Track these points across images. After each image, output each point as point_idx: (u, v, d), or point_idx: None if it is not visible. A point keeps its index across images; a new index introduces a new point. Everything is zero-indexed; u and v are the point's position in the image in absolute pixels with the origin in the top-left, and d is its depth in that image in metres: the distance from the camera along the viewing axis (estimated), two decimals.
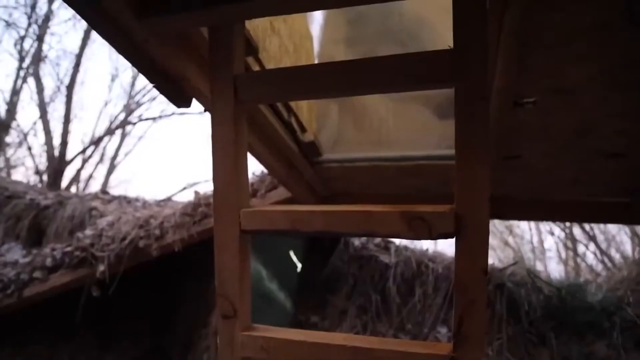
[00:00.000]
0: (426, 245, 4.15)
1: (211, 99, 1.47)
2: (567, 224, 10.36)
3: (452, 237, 1.32)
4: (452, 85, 1.30)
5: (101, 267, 3.35)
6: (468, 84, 1.28)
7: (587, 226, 9.90)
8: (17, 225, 5.22)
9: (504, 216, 4.14)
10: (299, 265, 7.11)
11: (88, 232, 3.73)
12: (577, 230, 10.80)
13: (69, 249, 3.64)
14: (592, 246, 10.04)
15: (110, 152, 14.08)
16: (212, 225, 3.24)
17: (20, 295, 3.61)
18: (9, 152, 13.09)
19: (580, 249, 10.69)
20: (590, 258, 10.16)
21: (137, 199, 5.59)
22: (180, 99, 1.85)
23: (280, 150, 2.61)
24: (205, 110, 1.95)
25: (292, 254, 6.48)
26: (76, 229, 4.92)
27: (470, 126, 1.29)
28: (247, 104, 1.50)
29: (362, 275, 3.84)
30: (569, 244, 10.90)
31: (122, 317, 4.14)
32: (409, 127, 3.09)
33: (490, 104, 1.84)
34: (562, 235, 11.32)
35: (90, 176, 13.73)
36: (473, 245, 1.30)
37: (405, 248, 4.05)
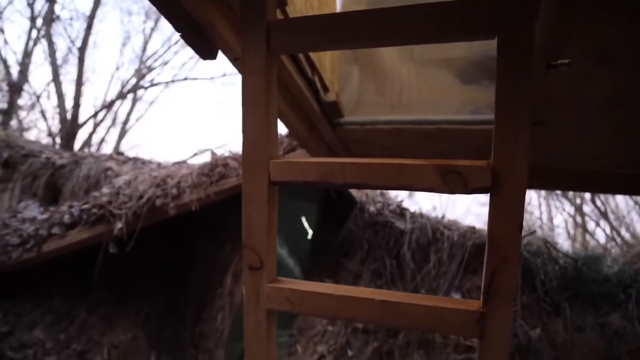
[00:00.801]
0: (441, 212, 4.14)
1: (242, 48, 1.42)
2: (579, 200, 10.29)
3: (487, 192, 1.29)
4: (494, 36, 1.25)
5: (118, 225, 3.37)
6: (512, 34, 1.22)
7: (599, 203, 9.83)
8: (34, 183, 5.26)
9: None
10: (310, 232, 7.15)
11: (105, 190, 3.75)
12: (587, 208, 10.74)
13: (86, 206, 3.66)
14: (602, 224, 9.99)
15: (121, 117, 14.11)
16: (229, 186, 3.25)
17: (40, 250, 3.66)
18: (22, 114, 13.13)
19: (590, 226, 10.65)
20: (600, 236, 10.12)
21: (151, 161, 5.60)
22: (206, 50, 1.80)
23: (303, 110, 2.57)
24: (234, 60, 1.90)
25: (304, 220, 6.50)
26: (92, 188, 4.95)
27: (512, 80, 1.24)
28: (279, 53, 1.45)
29: (376, 240, 3.84)
30: (579, 220, 10.85)
31: (138, 276, 4.20)
32: (431, 91, 3.02)
33: None
34: (572, 211, 11.26)
35: (103, 140, 13.80)
36: (509, 201, 1.27)
37: (421, 215, 4.03)
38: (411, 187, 1.37)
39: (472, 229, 3.85)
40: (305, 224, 6.60)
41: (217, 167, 3.37)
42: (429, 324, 1.39)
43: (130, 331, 3.95)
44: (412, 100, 3.08)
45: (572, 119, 2.48)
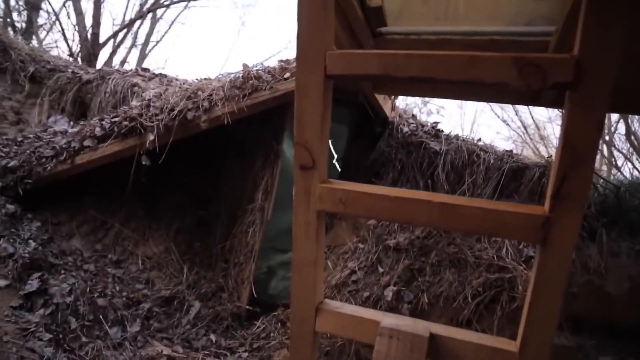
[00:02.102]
0: (477, 136, 4.00)
1: None
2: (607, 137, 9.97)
3: (568, 88, 1.18)
4: None
5: (150, 137, 3.34)
6: None
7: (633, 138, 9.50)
8: (61, 98, 5.23)
9: None
10: (335, 156, 7.08)
11: (135, 102, 3.69)
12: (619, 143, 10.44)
13: (117, 119, 3.62)
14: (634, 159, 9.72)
15: (142, 38, 13.82)
16: (262, 100, 3.15)
17: (73, 162, 3.68)
18: (42, 34, 12.92)
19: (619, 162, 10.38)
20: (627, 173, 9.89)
21: (176, 78, 5.48)
22: None
23: (345, 16, 2.41)
24: None
25: (330, 143, 6.43)
26: (119, 104, 4.91)
27: None
28: None
29: (410, 161, 3.77)
30: (606, 152, 10.59)
31: (168, 190, 4.24)
32: (480, 2, 2.80)
33: None
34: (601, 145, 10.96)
35: (124, 60, 13.63)
36: (591, 98, 1.16)
37: (456, 137, 3.91)
38: (483, 81, 1.26)
39: (510, 153, 3.74)
40: (331, 147, 6.54)
41: (249, 80, 3.26)
42: (489, 228, 1.33)
43: (162, 244, 4.05)
44: (460, 12, 2.87)
45: None
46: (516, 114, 14.14)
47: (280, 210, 3.91)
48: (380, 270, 3.21)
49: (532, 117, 14.38)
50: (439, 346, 1.46)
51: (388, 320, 1.52)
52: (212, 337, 3.24)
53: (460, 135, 3.97)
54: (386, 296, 3.02)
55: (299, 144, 1.45)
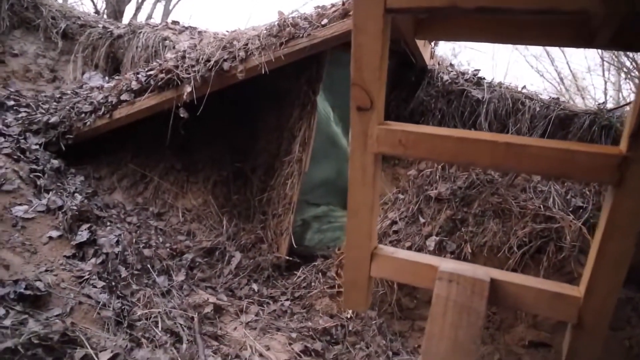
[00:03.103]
0: (522, 83, 3.83)
1: None
2: None
3: None
4: None
5: (187, 89, 3.31)
6: None
7: None
8: (94, 54, 5.23)
9: None
10: None
11: (170, 55, 3.65)
12: None
13: (152, 72, 3.60)
14: None
15: None
16: (300, 47, 3.05)
17: (111, 116, 3.70)
18: None
19: None
20: None
21: (206, 30, 5.39)
22: None
23: None
24: None
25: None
26: (151, 58, 4.88)
27: None
28: None
29: (450, 110, 3.66)
30: None
31: (205, 144, 4.26)
32: None
33: None
34: None
35: (149, 17, 13.52)
36: None
37: (500, 84, 3.76)
38: (560, 9, 1.16)
39: (557, 100, 3.58)
40: None
41: (286, 28, 3.16)
42: (560, 169, 1.26)
43: (200, 197, 4.10)
44: None
45: None
46: (552, 64, 13.57)
47: (313, 163, 3.89)
48: (422, 220, 3.18)
49: (570, 67, 13.79)
50: (499, 291, 1.43)
51: (446, 264, 1.50)
52: (254, 286, 3.31)
53: (503, 82, 3.81)
54: (428, 246, 3.01)
55: (356, 84, 1.39)
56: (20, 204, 2.90)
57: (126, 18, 12.11)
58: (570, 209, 2.96)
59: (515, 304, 1.47)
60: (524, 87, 3.75)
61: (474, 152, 1.30)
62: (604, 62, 11.60)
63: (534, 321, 2.84)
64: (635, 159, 1.17)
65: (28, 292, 2.19)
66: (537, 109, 3.47)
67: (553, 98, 3.60)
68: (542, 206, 2.96)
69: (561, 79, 14.08)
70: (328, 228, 5.10)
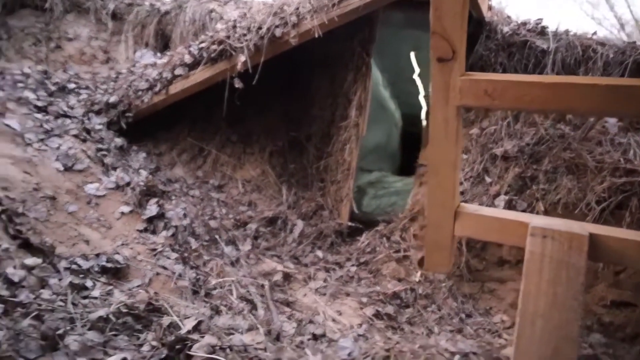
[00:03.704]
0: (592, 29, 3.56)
1: None
2: None
3: None
4: None
5: (242, 58, 3.29)
6: None
7: None
8: (143, 32, 5.29)
9: None
10: (418, 70, 6.70)
11: (220, 25, 3.62)
12: None
13: (204, 44, 3.59)
14: None
15: None
16: (354, 7, 2.94)
17: (167, 92, 3.75)
18: None
19: None
20: None
21: (252, 0, 5.33)
22: None
23: None
24: None
25: (412, 55, 6.06)
26: (199, 32, 4.88)
27: None
28: None
29: (513, 63, 3.45)
30: None
31: (259, 114, 4.25)
32: None
33: None
34: None
35: None
36: None
37: (566, 32, 3.50)
38: None
39: (632, 44, 3.30)
40: (414, 61, 6.18)
41: None
42: None
43: (258, 167, 4.12)
44: None
45: None
46: (610, 10, 12.65)
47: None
48: (488, 180, 3.06)
49: (632, 12, 12.81)
50: (598, 246, 1.34)
51: (538, 220, 1.42)
52: (319, 253, 3.32)
53: (570, 30, 3.54)
54: (497, 206, 2.90)
55: (436, 32, 1.30)
56: (91, 182, 3.00)
57: None
58: None
59: (617, 259, 1.39)
60: (595, 33, 3.48)
61: (569, 98, 1.20)
62: None
63: (616, 279, 2.70)
64: None
65: (109, 265, 2.28)
66: (611, 55, 3.21)
67: (630, 42, 3.32)
68: (622, 159, 2.78)
69: (622, 25, 13.14)
70: (384, 194, 5.04)
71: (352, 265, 3.19)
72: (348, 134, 3.59)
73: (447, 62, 1.34)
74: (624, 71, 3.13)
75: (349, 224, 3.56)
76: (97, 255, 2.32)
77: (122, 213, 2.86)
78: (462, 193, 3.07)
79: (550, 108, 1.24)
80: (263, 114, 4.31)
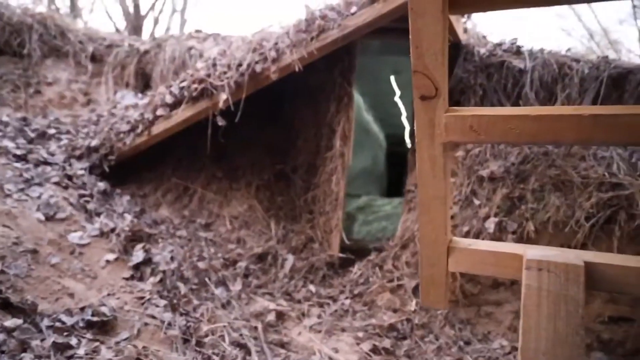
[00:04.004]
0: (567, 45, 3.63)
1: None
2: None
3: None
4: None
5: (223, 96, 3.27)
6: None
7: None
8: (124, 72, 5.29)
9: None
10: (398, 93, 6.77)
11: (200, 64, 3.62)
12: None
13: (184, 83, 3.58)
14: None
15: (180, 3, 13.80)
16: (332, 39, 2.96)
17: (150, 133, 3.71)
18: (85, 16, 13.17)
19: None
20: None
21: (230, 35, 5.36)
22: None
23: None
24: None
25: (392, 79, 6.13)
26: (179, 70, 4.89)
27: None
28: None
29: (491, 84, 3.49)
30: None
31: (244, 148, 4.23)
32: None
33: None
34: None
35: (168, 28, 13.68)
36: None
37: (541, 50, 3.56)
38: None
39: (606, 59, 3.36)
40: (394, 84, 6.25)
41: (315, 21, 3.07)
42: None
43: (245, 203, 4.07)
44: None
45: None
46: (579, 21, 13.06)
47: None
48: (477, 202, 3.05)
49: (599, 22, 13.24)
50: (595, 275, 1.32)
51: (533, 251, 1.39)
52: (311, 287, 3.26)
53: (544, 48, 3.60)
54: (488, 228, 2.88)
55: (417, 71, 1.29)
56: (74, 231, 2.93)
57: (145, 32, 12.31)
58: (638, 173, 2.78)
59: (615, 287, 1.36)
60: (569, 49, 3.54)
61: (556, 130, 1.19)
62: (635, 9, 11.04)
63: (612, 295, 2.68)
64: None
65: (95, 318, 2.20)
66: (586, 70, 3.26)
67: (603, 57, 3.38)
68: (606, 173, 2.79)
69: (591, 35, 13.54)
70: (374, 219, 5.02)
71: (346, 298, 3.13)
72: (334, 165, 3.57)
73: (430, 99, 1.33)
74: (599, 86, 3.19)
75: (340, 255, 3.51)
76: (82, 309, 2.24)
77: (108, 261, 2.78)
78: (452, 217, 3.05)
79: (538, 140, 1.23)
80: (248, 147, 4.28)
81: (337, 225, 3.57)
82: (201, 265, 3.14)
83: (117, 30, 12.44)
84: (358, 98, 5.37)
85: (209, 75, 3.36)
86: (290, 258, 3.50)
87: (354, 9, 2.99)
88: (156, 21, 13.01)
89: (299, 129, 4.04)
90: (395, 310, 2.94)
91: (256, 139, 4.27)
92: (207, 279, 2.98)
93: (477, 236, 2.92)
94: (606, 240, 2.67)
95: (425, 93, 1.30)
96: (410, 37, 1.27)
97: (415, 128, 1.37)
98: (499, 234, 2.87)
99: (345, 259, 3.54)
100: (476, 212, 3.02)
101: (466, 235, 2.94)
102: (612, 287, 1.36)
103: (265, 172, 4.21)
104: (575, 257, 1.34)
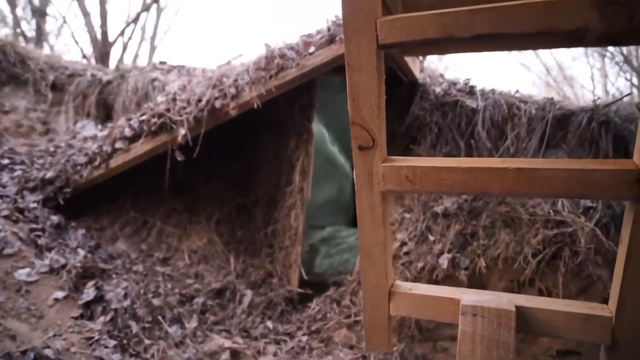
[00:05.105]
0: (515, 87, 3.81)
1: None
2: None
3: None
4: None
5: (182, 131, 3.28)
6: None
7: None
8: (85, 102, 5.23)
9: None
10: None
11: (160, 98, 3.62)
12: None
13: (144, 117, 3.57)
14: None
15: (150, 30, 13.80)
16: (291, 78, 3.03)
17: (107, 166, 3.67)
18: (52, 40, 13.02)
19: None
20: None
21: (194, 68, 5.40)
22: None
23: None
24: None
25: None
26: (142, 101, 4.88)
27: None
28: None
29: (446, 122, 3.62)
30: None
31: (204, 181, 4.22)
32: None
33: None
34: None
35: (136, 56, 13.64)
36: None
37: (492, 91, 3.73)
38: (558, 29, 1.13)
39: (551, 100, 3.55)
40: None
41: (274, 60, 3.14)
42: (576, 189, 1.21)
43: (205, 236, 4.04)
44: None
45: None
46: (536, 57, 13.73)
47: (313, 185, 3.85)
48: (431, 238, 3.12)
49: (554, 58, 13.94)
50: (526, 318, 1.38)
51: (468, 297, 1.44)
52: (269, 323, 3.23)
53: (495, 89, 3.78)
54: (441, 264, 2.94)
55: (355, 123, 1.35)
56: (22, 267, 2.84)
57: (113, 58, 12.22)
58: (580, 211, 2.91)
59: (544, 330, 1.42)
60: (517, 91, 3.72)
61: (484, 181, 1.26)
62: (587, 49, 11.72)
63: None
64: None
65: None
66: (533, 111, 3.43)
67: (548, 99, 3.57)
68: (551, 211, 2.91)
69: (547, 70, 14.23)
70: (336, 251, 5.04)
71: (303, 334, 3.11)
72: (293, 200, 3.60)
73: (368, 150, 1.39)
74: (545, 126, 3.35)
75: (299, 290, 3.51)
76: (24, 352, 2.16)
77: (56, 299, 2.70)
78: (407, 253, 3.12)
79: (468, 191, 1.29)
80: (210, 180, 4.27)
81: (296, 260, 3.57)
82: (156, 302, 3.08)
83: (84, 56, 12.34)
84: (323, 131, 5.46)
85: (168, 110, 3.37)
86: (249, 293, 3.47)
87: (312, 49, 3.08)
88: (125, 48, 12.95)
89: (260, 162, 4.06)
90: (351, 347, 2.94)
91: (218, 171, 4.27)
92: (160, 317, 2.92)
93: (431, 272, 2.98)
94: (552, 276, 2.76)
95: (363, 144, 1.36)
96: (347, 90, 1.34)
97: (354, 177, 1.42)
98: (452, 270, 2.94)
99: (304, 295, 3.53)
100: (431, 248, 3.08)
101: (421, 271, 3.00)
102: (542, 331, 1.42)
103: (226, 205, 4.19)
104: (508, 301, 1.40)
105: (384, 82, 1.34)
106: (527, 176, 1.22)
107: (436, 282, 2.96)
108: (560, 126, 3.39)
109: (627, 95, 3.49)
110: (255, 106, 3.17)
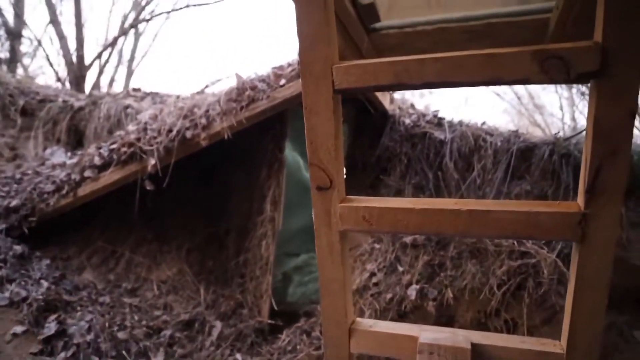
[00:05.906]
0: (482, 119, 3.93)
1: None
2: None
3: (593, 77, 1.11)
4: None
5: (151, 161, 3.27)
6: None
7: None
8: (55, 129, 5.16)
9: None
10: None
11: (131, 127, 3.61)
12: None
13: (114, 145, 3.55)
14: None
15: (127, 55, 13.76)
16: (261, 110, 3.07)
17: (75, 194, 3.62)
18: (26, 62, 12.86)
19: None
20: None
21: (169, 95, 5.41)
22: None
23: (340, 19, 2.33)
24: None
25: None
26: (114, 128, 4.85)
27: None
28: None
29: (415, 153, 3.70)
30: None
31: (175, 211, 4.18)
32: None
33: None
34: None
35: (112, 80, 13.55)
36: (621, 85, 1.09)
37: (460, 123, 3.84)
38: (502, 80, 1.19)
39: (516, 133, 3.67)
40: None
41: (245, 91, 3.18)
42: (523, 231, 1.26)
43: (175, 266, 3.99)
44: None
45: None
46: (508, 87, 14.21)
47: (287, 213, 3.86)
48: (400, 269, 3.15)
49: (525, 87, 14.42)
50: (482, 356, 1.40)
51: (426, 334, 1.46)
52: (238, 356, 3.18)
53: (463, 121, 3.89)
54: (410, 295, 2.97)
55: (313, 164, 1.38)
56: None
57: (89, 82, 12.12)
58: (543, 242, 2.99)
59: None
60: (484, 123, 3.84)
61: (438, 223, 1.30)
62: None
63: None
64: (593, 216, 1.19)
65: None
66: (499, 143, 3.54)
67: (512, 131, 3.69)
68: (515, 242, 2.98)
69: (519, 98, 14.71)
70: (309, 280, 5.02)
71: None
72: (264, 229, 3.60)
73: (326, 190, 1.41)
74: (510, 158, 3.45)
75: (269, 321, 3.47)
76: None
77: (15, 334, 2.62)
78: (376, 284, 3.13)
79: (424, 231, 1.33)
80: (181, 208, 4.24)
81: (267, 290, 3.55)
82: (121, 335, 3.01)
83: (59, 79, 12.19)
84: (298, 158, 5.49)
85: (139, 139, 3.36)
86: (218, 325, 3.42)
87: (282, 81, 3.13)
88: (101, 71, 12.86)
89: (232, 192, 4.06)
90: None
91: (189, 200, 4.24)
92: (125, 351, 2.85)
93: (400, 303, 2.99)
94: (517, 307, 2.81)
95: (321, 184, 1.39)
96: (305, 132, 1.37)
97: (313, 216, 1.44)
98: (420, 301, 2.96)
99: (275, 326, 3.50)
100: (399, 278, 3.11)
101: (389, 302, 3.01)
102: None
103: (197, 235, 4.16)
104: (464, 339, 1.43)
105: (341, 124, 1.39)
106: (478, 218, 1.27)
107: (405, 314, 2.98)
108: (524, 158, 3.49)
109: (582, 132, 3.62)
110: (226, 137, 3.19)
